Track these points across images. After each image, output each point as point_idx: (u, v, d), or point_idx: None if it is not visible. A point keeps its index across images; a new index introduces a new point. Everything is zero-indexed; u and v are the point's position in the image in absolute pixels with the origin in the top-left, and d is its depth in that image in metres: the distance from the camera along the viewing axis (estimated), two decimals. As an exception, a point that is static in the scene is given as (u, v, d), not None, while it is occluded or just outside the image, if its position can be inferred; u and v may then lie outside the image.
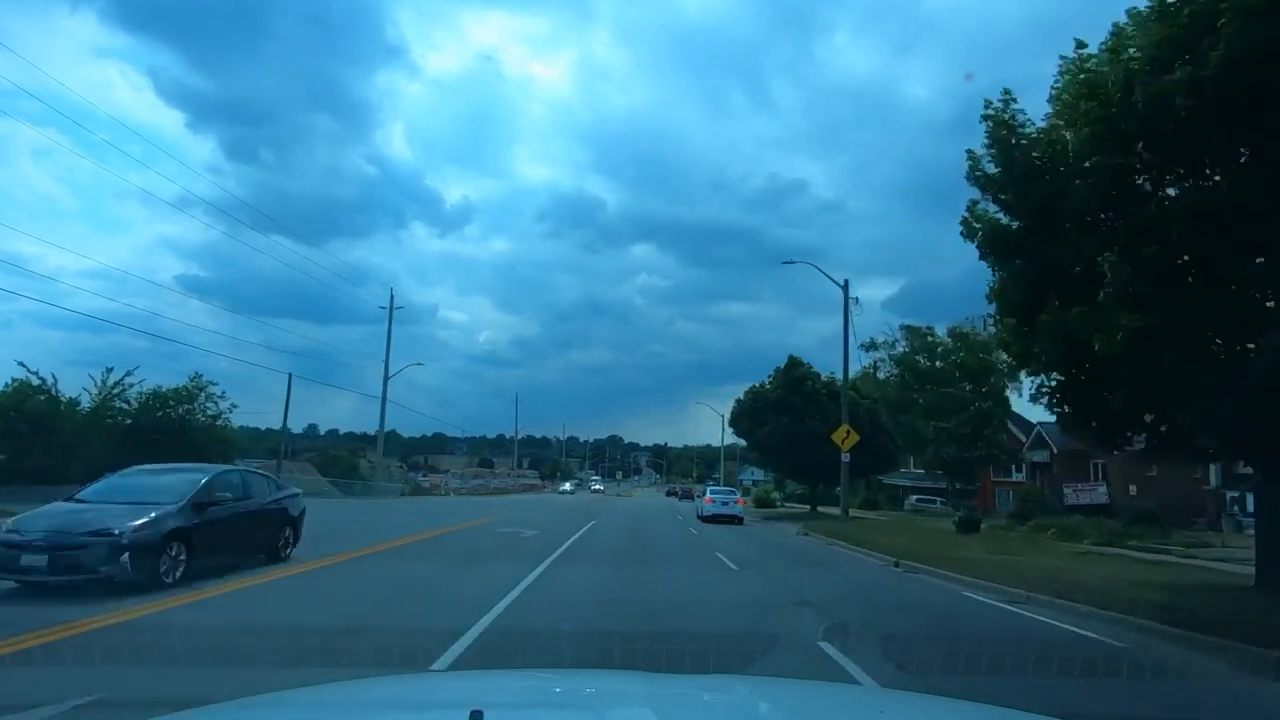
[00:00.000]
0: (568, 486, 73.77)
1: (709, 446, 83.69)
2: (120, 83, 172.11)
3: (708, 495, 31.47)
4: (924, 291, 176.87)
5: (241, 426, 39.38)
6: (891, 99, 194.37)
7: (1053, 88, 10.05)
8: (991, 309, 11.77)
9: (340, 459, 54.73)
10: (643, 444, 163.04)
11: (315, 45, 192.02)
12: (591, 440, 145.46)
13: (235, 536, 10.33)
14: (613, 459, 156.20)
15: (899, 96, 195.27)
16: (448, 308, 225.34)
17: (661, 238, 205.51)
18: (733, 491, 33.47)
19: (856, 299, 29.38)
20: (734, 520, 28.19)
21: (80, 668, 5.41)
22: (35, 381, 24.28)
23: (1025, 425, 41.14)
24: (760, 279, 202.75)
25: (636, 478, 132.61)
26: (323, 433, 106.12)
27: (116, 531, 8.32)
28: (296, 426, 69.71)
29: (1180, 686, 6.38)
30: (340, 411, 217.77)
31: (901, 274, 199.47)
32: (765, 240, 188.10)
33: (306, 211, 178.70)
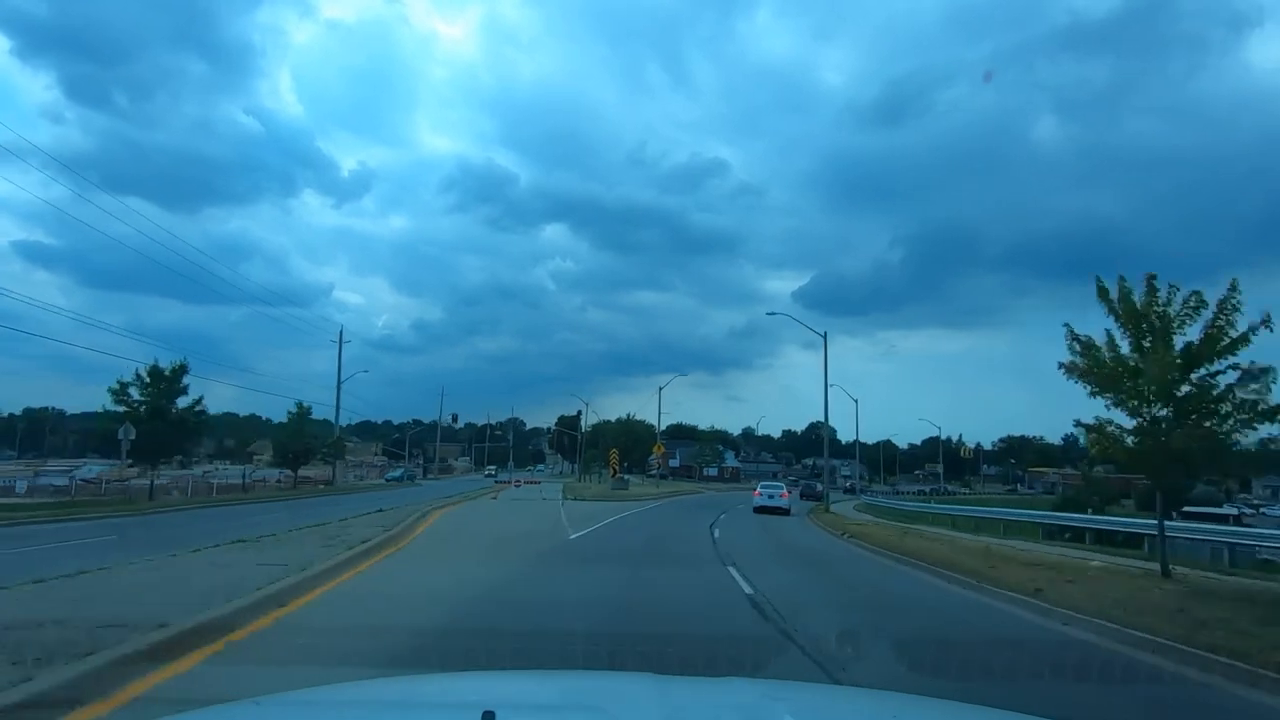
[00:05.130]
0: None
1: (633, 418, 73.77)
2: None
3: (756, 489, 32.65)
4: (833, 284, 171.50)
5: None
6: (808, 85, 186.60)
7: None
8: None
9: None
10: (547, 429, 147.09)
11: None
12: (481, 423, 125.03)
13: None
14: (519, 444, 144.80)
15: (815, 83, 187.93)
16: (343, 288, 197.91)
17: (573, 218, 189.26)
18: (780, 486, 33.41)
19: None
20: (781, 512, 28.91)
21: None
22: None
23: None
24: (673, 267, 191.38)
25: (540, 466, 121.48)
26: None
27: None
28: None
29: None
30: (220, 399, 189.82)
31: (812, 266, 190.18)
32: (681, 225, 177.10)
33: (172, 171, 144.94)
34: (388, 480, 66.54)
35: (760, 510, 29.58)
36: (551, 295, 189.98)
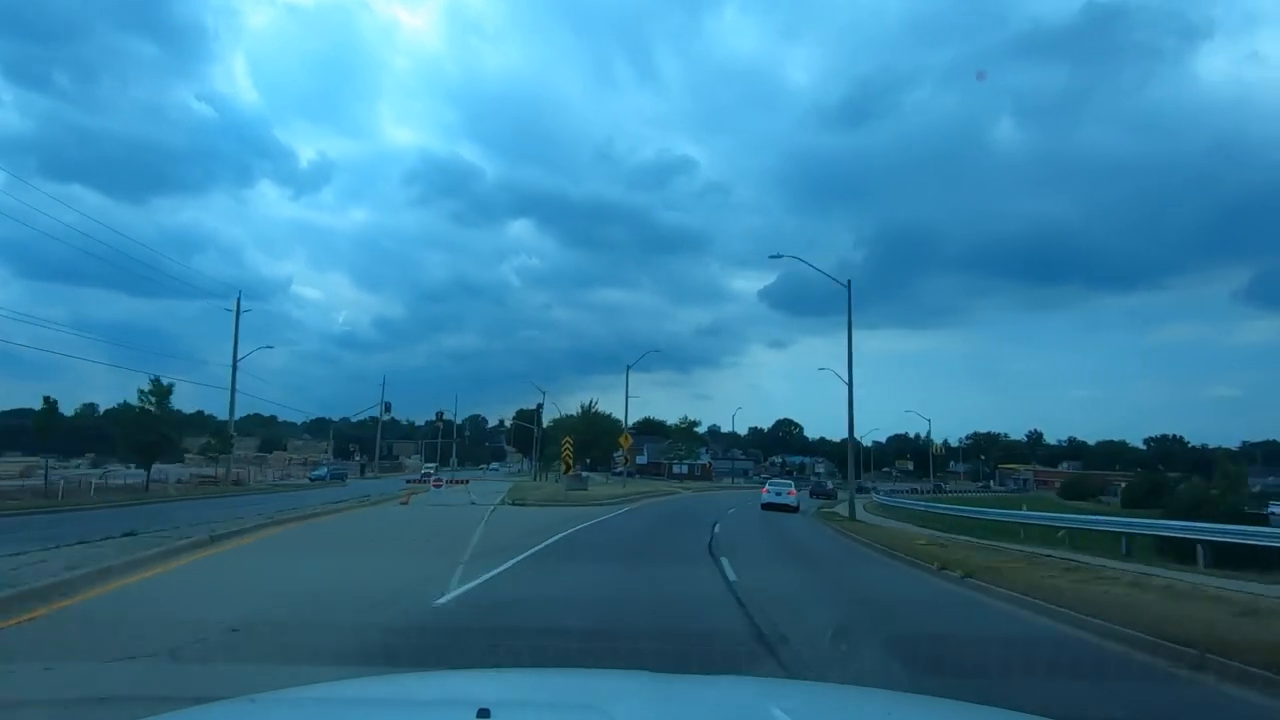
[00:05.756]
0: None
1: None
2: None
3: (765, 487, 32.95)
4: (799, 284, 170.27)
5: None
6: (774, 83, 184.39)
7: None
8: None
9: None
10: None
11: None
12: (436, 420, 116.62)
13: None
14: (478, 441, 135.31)
15: (781, 81, 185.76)
16: (302, 283, 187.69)
17: (539, 214, 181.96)
18: (788, 484, 33.81)
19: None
20: (789, 509, 29.65)
21: None
22: None
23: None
24: (640, 265, 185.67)
25: (495, 464, 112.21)
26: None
27: None
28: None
29: None
30: (175, 397, 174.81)
31: (778, 265, 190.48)
32: (649, 222, 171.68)
33: (119, 157, 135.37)
34: (311, 479, 58.21)
35: (768, 507, 29.76)
36: (517, 292, 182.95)
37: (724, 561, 11.81)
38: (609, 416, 48.52)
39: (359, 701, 1.91)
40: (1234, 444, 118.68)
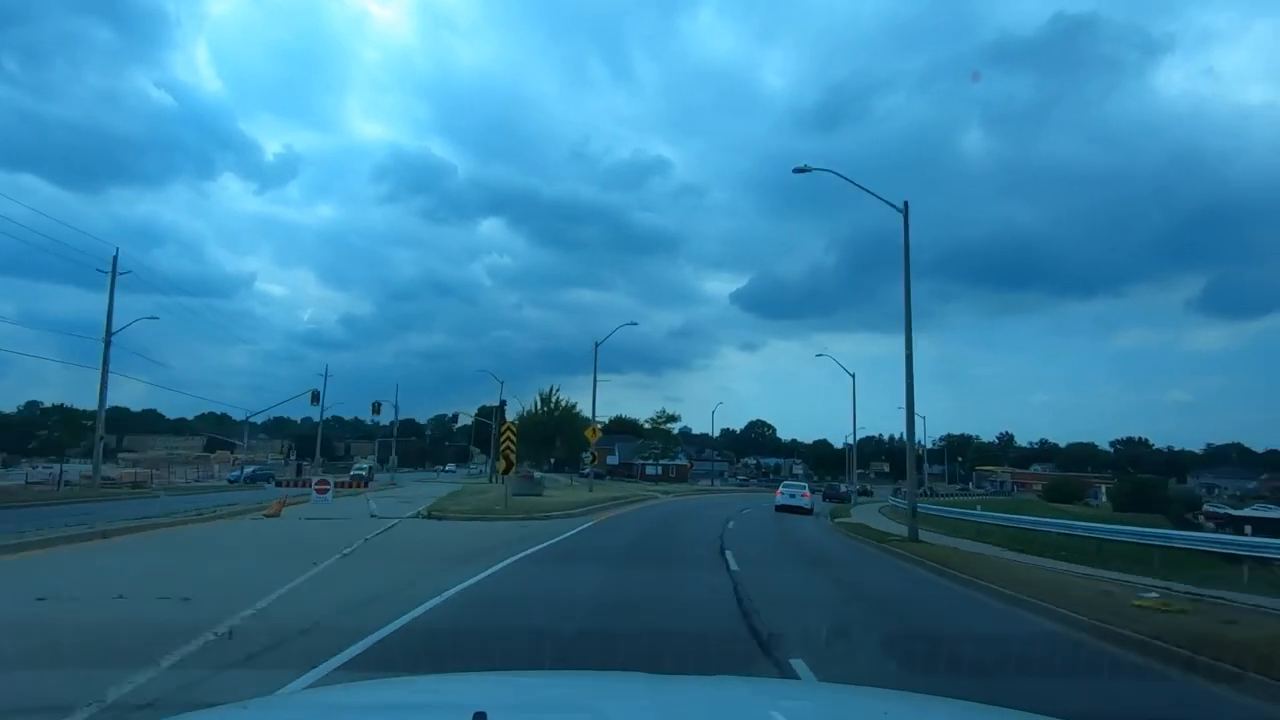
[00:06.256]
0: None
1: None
2: None
3: (779, 489, 33.07)
4: (771, 287, 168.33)
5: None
6: (749, 86, 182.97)
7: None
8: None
9: None
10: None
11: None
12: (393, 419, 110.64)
13: None
14: (441, 441, 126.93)
15: (756, 84, 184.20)
16: (266, 280, 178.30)
17: (512, 212, 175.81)
18: (802, 485, 33.76)
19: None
20: (803, 511, 29.20)
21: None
22: None
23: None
24: (614, 266, 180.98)
25: (450, 466, 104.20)
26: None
27: None
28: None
29: None
30: (129, 393, 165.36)
31: (750, 268, 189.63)
32: (622, 223, 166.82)
33: (73, 146, 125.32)
34: (230, 481, 50.12)
35: (782, 509, 29.63)
36: (488, 291, 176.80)
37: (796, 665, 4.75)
38: (574, 410, 40.76)
39: (353, 706, 1.87)
40: (1197, 447, 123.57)
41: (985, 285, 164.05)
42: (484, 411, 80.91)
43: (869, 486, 64.79)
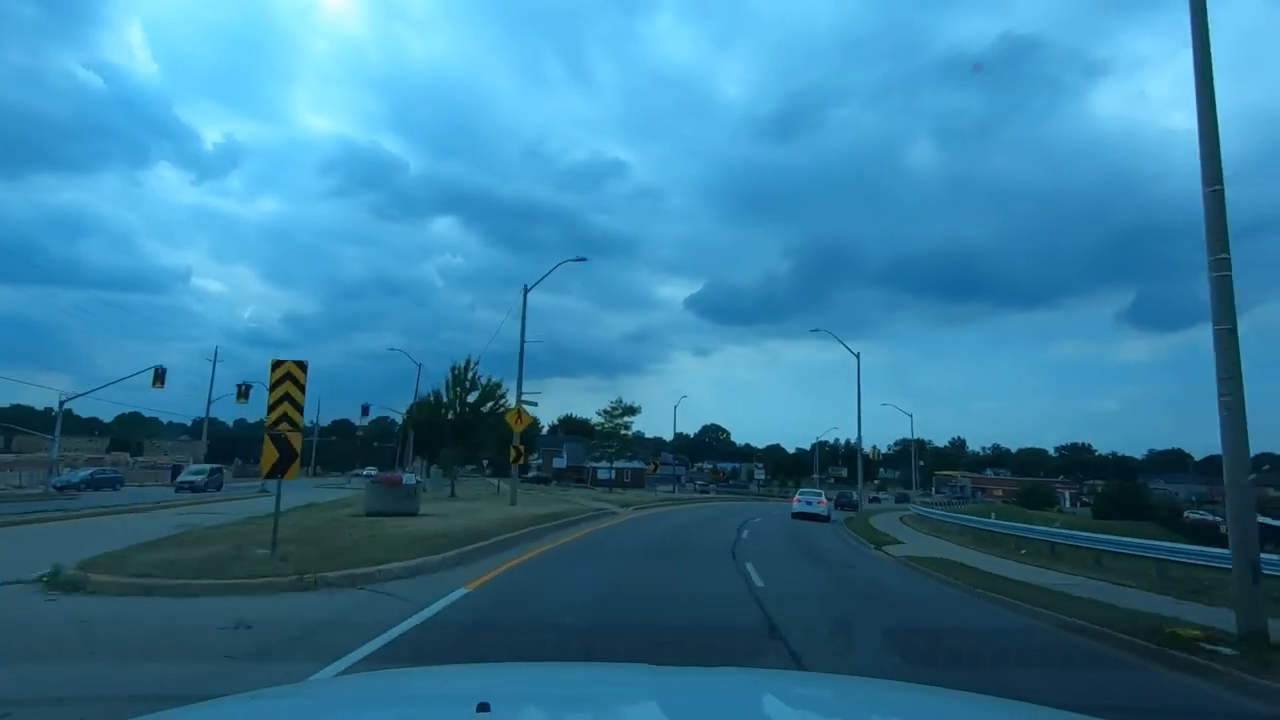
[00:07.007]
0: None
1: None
2: None
3: (795, 496, 33.05)
4: (724, 293, 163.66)
5: None
6: (707, 93, 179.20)
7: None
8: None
9: None
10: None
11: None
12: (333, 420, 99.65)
13: None
14: (385, 441, 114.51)
15: (714, 91, 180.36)
16: (203, 275, 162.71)
17: (465, 211, 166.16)
18: (818, 493, 33.30)
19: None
20: (819, 519, 28.68)
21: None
22: None
23: None
24: (568, 268, 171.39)
25: (370, 468, 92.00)
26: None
27: None
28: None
29: None
30: (45, 393, 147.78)
31: (704, 274, 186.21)
32: (579, 225, 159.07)
33: None
34: (56, 488, 38.35)
35: (799, 516, 29.07)
36: (440, 292, 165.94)
37: None
38: (502, 393, 29.06)
39: (359, 698, 1.79)
40: (1138, 453, 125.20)
41: (931, 295, 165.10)
42: (424, 408, 68.78)
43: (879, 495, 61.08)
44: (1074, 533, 16.58)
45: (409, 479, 15.26)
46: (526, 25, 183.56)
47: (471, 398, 28.83)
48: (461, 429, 28.59)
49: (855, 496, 45.23)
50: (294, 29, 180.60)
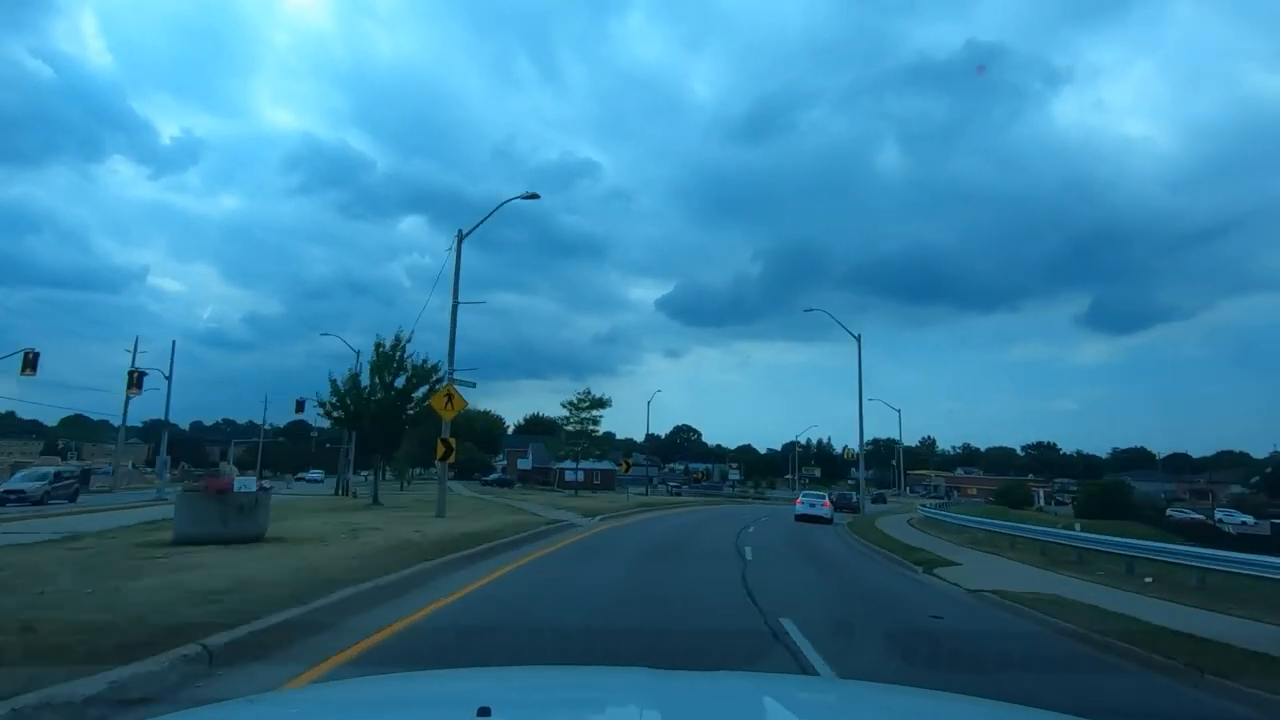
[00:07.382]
0: None
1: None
2: None
3: (799, 498, 32.89)
4: (695, 295, 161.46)
5: None
6: (678, 94, 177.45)
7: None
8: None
9: None
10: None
11: None
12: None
13: None
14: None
15: (685, 92, 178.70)
16: (160, 274, 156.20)
17: (433, 210, 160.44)
18: (821, 495, 34.02)
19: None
20: (822, 520, 28.72)
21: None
22: None
23: None
24: (538, 269, 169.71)
25: (314, 472, 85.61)
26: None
27: None
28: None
29: None
30: None
31: (675, 275, 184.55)
32: (548, 225, 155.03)
33: None
34: None
35: (802, 519, 28.98)
36: (407, 292, 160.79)
37: None
38: (433, 375, 22.91)
39: (359, 701, 1.79)
40: (1102, 451, 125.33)
41: (896, 297, 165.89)
42: (339, 394, 62.09)
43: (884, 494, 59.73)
44: (1209, 552, 11.85)
45: (246, 485, 9.77)
46: (496, 23, 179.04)
47: (399, 382, 23.19)
48: (384, 420, 22.92)
49: (855, 498, 42.59)
50: (255, 21, 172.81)
